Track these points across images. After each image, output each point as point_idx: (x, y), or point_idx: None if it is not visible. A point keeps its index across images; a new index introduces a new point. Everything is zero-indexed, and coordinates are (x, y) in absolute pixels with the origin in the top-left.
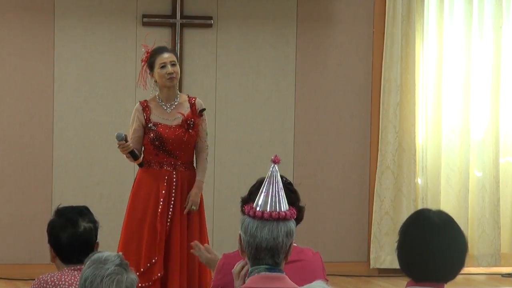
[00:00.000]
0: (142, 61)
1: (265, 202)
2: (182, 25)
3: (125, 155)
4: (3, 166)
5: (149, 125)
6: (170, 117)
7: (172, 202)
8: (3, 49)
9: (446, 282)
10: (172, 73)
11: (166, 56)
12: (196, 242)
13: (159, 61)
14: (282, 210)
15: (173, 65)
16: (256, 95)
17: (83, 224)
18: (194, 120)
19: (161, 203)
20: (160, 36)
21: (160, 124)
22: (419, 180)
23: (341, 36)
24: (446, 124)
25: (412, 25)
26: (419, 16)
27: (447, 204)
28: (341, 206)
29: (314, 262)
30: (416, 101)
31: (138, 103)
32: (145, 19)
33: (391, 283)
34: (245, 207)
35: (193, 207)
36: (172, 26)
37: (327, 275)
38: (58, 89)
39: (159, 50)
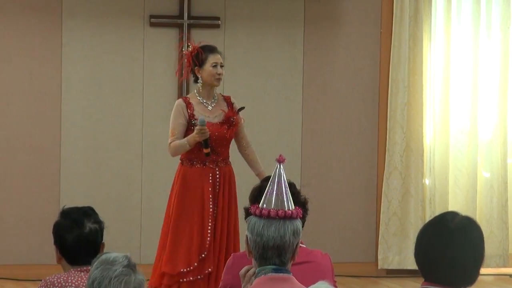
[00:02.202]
0: (186, 54)
1: (271, 201)
2: (190, 26)
3: (189, 145)
4: (11, 167)
5: (193, 122)
6: (211, 114)
7: (217, 199)
8: (10, 50)
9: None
10: (221, 74)
11: (218, 57)
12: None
13: (212, 59)
14: (288, 208)
15: (221, 66)
16: (264, 95)
17: (89, 225)
18: (235, 117)
19: (211, 201)
20: (167, 37)
21: None
22: (427, 181)
23: (348, 37)
24: (454, 125)
25: (420, 25)
26: (427, 16)
27: (455, 205)
28: (349, 206)
29: (323, 263)
30: (424, 102)
31: (180, 99)
32: (152, 20)
33: (399, 284)
34: (251, 207)
35: None
36: (180, 26)
37: (335, 275)
38: (66, 89)
39: (212, 49)
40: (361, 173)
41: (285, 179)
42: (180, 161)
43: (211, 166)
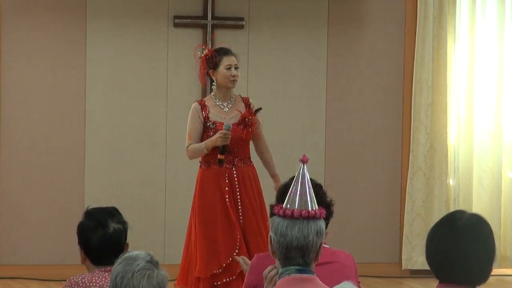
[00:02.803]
0: (200, 57)
1: (294, 201)
2: (214, 26)
3: (206, 149)
4: (35, 167)
5: (208, 124)
6: (227, 116)
7: (239, 198)
8: (35, 51)
9: (474, 286)
10: (235, 76)
11: (233, 59)
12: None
13: (226, 61)
14: (312, 209)
15: (236, 68)
16: (287, 95)
17: (113, 225)
18: (251, 118)
19: (227, 199)
20: (191, 37)
21: (219, 122)
22: (451, 181)
23: (372, 37)
24: (478, 125)
25: (444, 25)
26: (451, 16)
27: (479, 205)
28: (373, 207)
29: (347, 264)
30: (448, 102)
31: (196, 102)
32: (176, 20)
33: (423, 284)
34: (275, 207)
35: None
36: (204, 27)
37: (359, 276)
38: (90, 90)
39: (226, 51)
40: (385, 173)
41: (309, 179)
42: (199, 163)
43: (228, 166)
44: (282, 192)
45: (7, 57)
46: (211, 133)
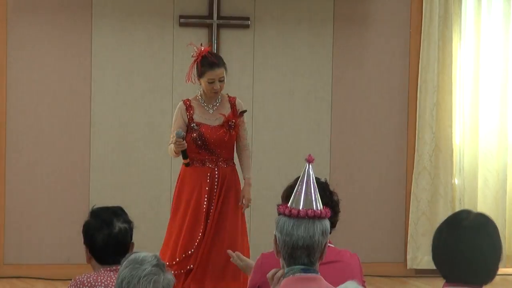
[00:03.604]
0: (192, 56)
1: (300, 200)
2: (219, 26)
3: (174, 153)
4: (40, 166)
5: (192, 125)
6: (211, 117)
7: (214, 198)
8: (40, 50)
9: (481, 285)
10: (217, 89)
11: (217, 73)
12: (230, 251)
13: (209, 75)
14: (317, 208)
15: (221, 81)
16: (293, 95)
17: (118, 225)
18: (235, 121)
19: (205, 200)
20: (197, 37)
21: (202, 124)
22: (456, 181)
23: (378, 37)
24: (483, 125)
25: (450, 25)
26: (457, 16)
27: (484, 205)
28: (378, 206)
29: (352, 263)
30: (453, 102)
31: (181, 102)
32: (182, 20)
33: (428, 284)
34: (280, 207)
35: (249, 204)
36: (209, 26)
37: (364, 275)
38: (95, 89)
39: (212, 64)
40: (390, 173)
41: (314, 179)
42: None
43: (210, 166)
44: (288, 192)
45: (13, 56)
46: (194, 134)
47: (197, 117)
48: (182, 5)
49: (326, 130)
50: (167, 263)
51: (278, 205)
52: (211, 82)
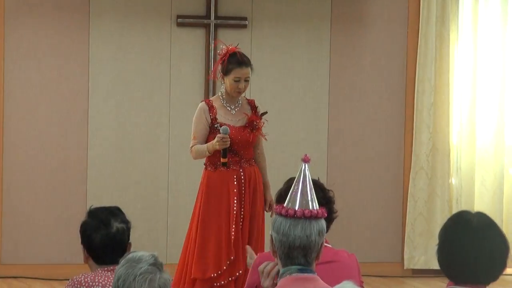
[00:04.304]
0: (219, 55)
1: (296, 200)
2: (217, 26)
3: (208, 152)
4: (38, 166)
5: (216, 125)
6: (234, 118)
7: (243, 200)
8: (38, 49)
9: (487, 284)
10: (241, 89)
11: (244, 72)
12: (248, 246)
13: (235, 73)
14: (314, 208)
15: (246, 80)
16: (290, 95)
17: (116, 225)
18: (258, 122)
19: (235, 203)
20: (194, 37)
21: (226, 124)
22: (453, 181)
23: (375, 37)
24: (480, 125)
25: (447, 25)
26: (454, 16)
27: (481, 205)
28: (375, 206)
29: (349, 263)
30: (450, 102)
31: (203, 102)
32: (179, 20)
33: (425, 284)
34: (276, 207)
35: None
36: (207, 26)
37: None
38: (93, 89)
39: (240, 63)
40: (387, 173)
41: (310, 179)
42: (204, 165)
43: (235, 168)
44: (283, 193)
45: (10, 56)
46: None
47: (220, 118)
48: (179, 5)
49: (323, 129)
50: (214, 275)
51: (275, 205)
52: (236, 81)
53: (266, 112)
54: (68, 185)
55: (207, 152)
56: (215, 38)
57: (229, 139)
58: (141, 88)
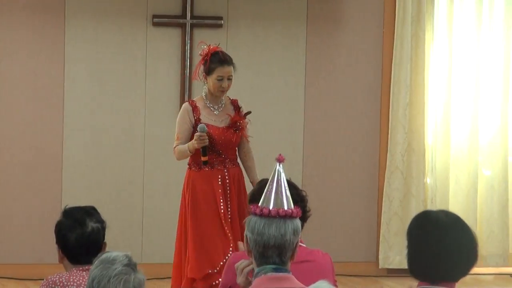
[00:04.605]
0: (200, 55)
1: (270, 200)
2: (192, 25)
3: (189, 151)
4: (13, 166)
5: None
6: (218, 119)
7: (229, 200)
8: (14, 50)
9: (457, 281)
10: (225, 87)
11: (227, 70)
12: (240, 243)
13: (218, 72)
14: (289, 208)
15: (229, 79)
16: (266, 95)
17: (91, 224)
18: (242, 122)
19: (221, 202)
20: (170, 37)
21: (210, 125)
22: (428, 180)
23: (351, 36)
24: (455, 124)
25: (422, 25)
26: (429, 16)
27: (456, 204)
28: (350, 206)
29: (324, 263)
30: (426, 101)
31: (187, 103)
32: (155, 19)
33: (400, 283)
34: (251, 206)
35: None
36: (182, 26)
37: (336, 275)
38: (68, 89)
39: (223, 61)
40: (363, 172)
41: (285, 178)
42: (187, 165)
43: (220, 168)
44: (255, 193)
45: None
46: None
47: (204, 118)
48: (155, 4)
49: (299, 129)
50: (209, 272)
51: (249, 205)
52: (219, 79)
53: (250, 112)
54: (43, 184)
55: (189, 152)
56: (191, 38)
57: (207, 137)
58: (117, 87)
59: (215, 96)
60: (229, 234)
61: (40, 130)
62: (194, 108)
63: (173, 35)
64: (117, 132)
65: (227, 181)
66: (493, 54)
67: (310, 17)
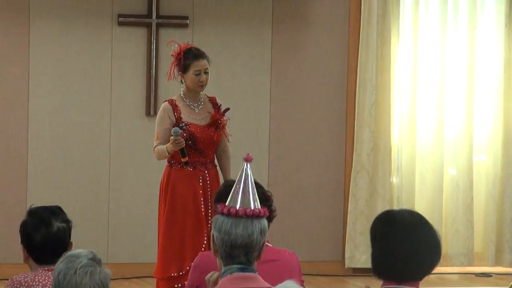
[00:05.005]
0: (172, 55)
1: (237, 199)
2: (158, 25)
3: (167, 153)
4: None
5: (181, 125)
6: (198, 117)
7: (209, 202)
8: None
9: (422, 279)
10: (203, 81)
11: (203, 64)
12: None
13: (194, 67)
14: (256, 207)
15: (206, 73)
16: (232, 94)
17: (56, 224)
18: (222, 120)
19: (202, 204)
20: (136, 36)
21: (191, 124)
22: (394, 179)
23: (316, 36)
24: (421, 123)
25: (388, 25)
26: (395, 16)
27: (421, 203)
28: (316, 205)
29: (290, 262)
30: (391, 101)
31: (166, 102)
32: (120, 19)
33: (366, 283)
34: (218, 206)
35: None
36: (148, 26)
37: (303, 274)
38: (34, 89)
39: (197, 55)
40: (329, 172)
41: (252, 178)
42: (168, 163)
43: (201, 169)
44: (221, 193)
45: None
46: (184, 134)
47: (185, 117)
48: (121, 4)
49: (265, 129)
50: (174, 275)
51: (215, 205)
52: (197, 74)
53: (228, 109)
54: (8, 184)
55: (167, 153)
56: (156, 37)
57: (182, 139)
58: (82, 87)
59: (194, 92)
60: (205, 240)
61: (5, 129)
62: (174, 107)
63: (138, 34)
64: (82, 131)
65: (208, 182)
66: (458, 54)
67: (276, 17)
